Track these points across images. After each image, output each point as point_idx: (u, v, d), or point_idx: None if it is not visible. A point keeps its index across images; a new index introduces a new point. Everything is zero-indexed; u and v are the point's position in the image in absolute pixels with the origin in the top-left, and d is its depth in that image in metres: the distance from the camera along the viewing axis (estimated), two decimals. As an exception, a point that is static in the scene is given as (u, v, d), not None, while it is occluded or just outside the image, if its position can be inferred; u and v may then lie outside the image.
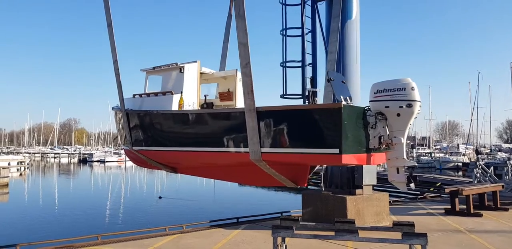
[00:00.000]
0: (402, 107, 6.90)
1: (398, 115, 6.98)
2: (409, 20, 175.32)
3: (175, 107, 8.98)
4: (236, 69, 9.90)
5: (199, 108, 9.69)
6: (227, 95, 10.19)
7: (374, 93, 7.23)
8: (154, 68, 9.93)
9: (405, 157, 7.12)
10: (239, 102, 10.07)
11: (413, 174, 7.29)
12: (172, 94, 9.10)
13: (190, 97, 9.25)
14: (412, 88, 6.96)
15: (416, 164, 7.55)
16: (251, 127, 7.04)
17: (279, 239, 6.10)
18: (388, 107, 7.02)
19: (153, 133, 9.42)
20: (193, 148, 8.52)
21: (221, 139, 7.93)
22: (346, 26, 11.08)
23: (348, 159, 6.66)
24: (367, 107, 7.29)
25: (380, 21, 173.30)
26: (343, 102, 6.78)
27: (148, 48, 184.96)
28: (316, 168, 9.26)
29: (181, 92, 9.09)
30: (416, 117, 7.22)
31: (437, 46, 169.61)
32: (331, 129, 6.56)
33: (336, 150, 6.46)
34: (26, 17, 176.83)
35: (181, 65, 9.32)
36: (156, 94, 9.59)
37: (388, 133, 7.07)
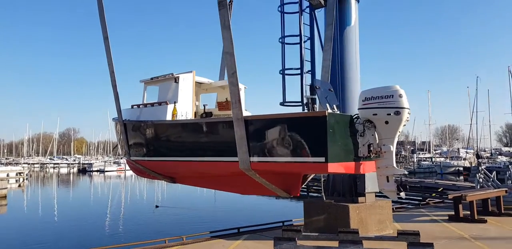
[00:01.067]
0: (390, 114, 6.81)
1: (387, 122, 6.89)
2: (406, 26, 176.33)
3: (169, 117, 9.00)
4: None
5: (194, 118, 9.72)
6: (225, 105, 10.20)
7: (363, 100, 7.15)
8: (152, 78, 10.00)
9: (394, 165, 7.01)
10: None
11: (403, 182, 7.20)
12: (167, 104, 9.15)
13: (185, 107, 9.24)
14: (400, 96, 6.87)
15: (406, 172, 7.47)
16: (239, 136, 7.05)
17: (282, 251, 5.94)
18: (376, 114, 6.93)
19: (148, 143, 9.47)
20: (185, 157, 8.55)
21: (211, 149, 7.96)
22: (345, 32, 11.04)
23: (335, 168, 6.59)
24: (356, 115, 7.20)
25: (378, 26, 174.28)
26: (329, 110, 6.71)
27: (151, 58, 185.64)
28: (311, 177, 9.16)
29: (175, 102, 9.13)
30: (405, 125, 7.10)
31: (435, 51, 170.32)
32: (316, 137, 6.50)
33: (322, 159, 6.41)
34: (27, 29, 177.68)
35: (176, 76, 9.36)
36: (152, 104, 9.64)
37: (377, 141, 6.97)
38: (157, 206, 27.17)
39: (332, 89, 8.59)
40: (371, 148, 6.96)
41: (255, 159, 7.08)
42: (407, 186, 7.10)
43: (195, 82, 10.04)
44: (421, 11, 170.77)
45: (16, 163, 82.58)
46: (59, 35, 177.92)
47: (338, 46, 11.06)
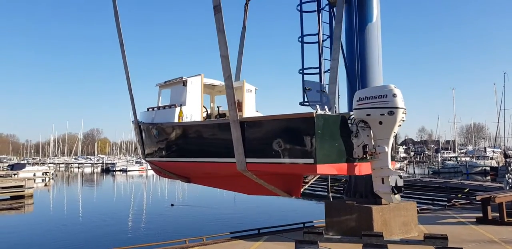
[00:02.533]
0: (384, 114, 6.63)
1: (381, 123, 6.72)
2: (433, 24, 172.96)
3: (176, 119, 9.26)
4: (244, 81, 9.98)
5: (204, 119, 9.95)
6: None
7: (357, 100, 7.00)
8: (165, 82, 10.29)
9: (390, 167, 6.80)
10: (247, 112, 10.04)
11: (399, 184, 6.89)
12: (175, 107, 9.43)
13: (193, 109, 9.47)
14: (394, 95, 6.67)
15: (401, 174, 7.30)
16: (235, 137, 7.13)
17: (303, 254, 5.78)
18: (369, 115, 6.78)
19: (158, 144, 9.82)
20: (189, 159, 8.78)
21: (211, 150, 8.11)
22: (367, 29, 10.76)
23: (324, 169, 6.52)
24: (352, 115, 7.09)
25: (403, 24, 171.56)
26: (319, 112, 6.62)
27: (163, 60, 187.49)
28: (316, 178, 9.07)
29: (181, 105, 9.39)
30: (400, 125, 6.87)
31: (461, 48, 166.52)
32: (305, 138, 6.47)
33: (311, 160, 6.36)
34: (56, 29, 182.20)
35: (184, 79, 9.59)
36: (164, 107, 9.97)
37: (372, 142, 6.80)
38: (172, 205, 27.75)
39: (325, 90, 8.55)
40: (366, 149, 6.81)
41: (250, 160, 7.11)
42: (402, 188, 6.81)
43: (209, 84, 10.31)
44: (449, 9, 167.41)
45: (43, 163, 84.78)
46: (83, 31, 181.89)
47: (358, 44, 10.81)
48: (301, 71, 10.89)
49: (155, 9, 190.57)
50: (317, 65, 10.82)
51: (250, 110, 9.34)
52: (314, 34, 11.05)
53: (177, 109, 9.35)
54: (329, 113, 7.22)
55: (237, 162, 7.20)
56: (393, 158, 10.33)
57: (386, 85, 6.89)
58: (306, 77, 10.85)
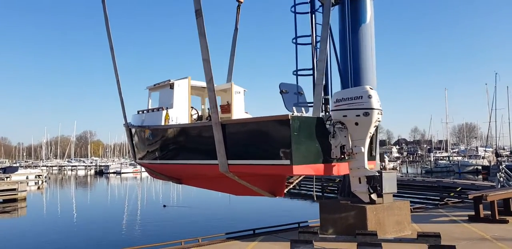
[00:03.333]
0: (359, 115, 6.75)
1: (356, 124, 6.82)
2: (426, 24, 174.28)
3: (163, 122, 9.37)
4: (232, 83, 10.06)
5: (192, 122, 10.07)
6: (226, 108, 10.27)
7: (334, 102, 7.11)
8: (154, 85, 10.39)
9: (366, 166, 6.92)
10: (236, 114, 10.08)
11: (375, 184, 7.16)
12: (163, 109, 9.52)
13: (180, 111, 9.55)
14: (369, 96, 6.78)
15: (377, 174, 7.55)
16: (217, 139, 7.20)
17: (298, 254, 5.84)
18: (346, 116, 6.90)
19: (147, 147, 9.95)
20: (173, 160, 8.91)
21: (196, 152, 8.20)
22: (361, 30, 10.85)
23: (301, 170, 6.61)
24: (329, 117, 7.22)
25: (395, 26, 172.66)
26: (295, 113, 6.79)
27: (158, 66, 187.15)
28: (300, 178, 9.19)
29: (167, 108, 9.49)
30: (376, 126, 6.98)
31: (452, 49, 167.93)
32: (281, 140, 6.57)
33: (287, 162, 6.46)
34: (41, 30, 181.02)
35: (171, 82, 9.68)
36: (152, 110, 10.06)
37: (350, 142, 6.91)
38: (164, 206, 28.10)
39: (302, 92, 8.73)
40: (344, 150, 6.90)
41: (232, 162, 7.18)
42: (378, 188, 6.99)
43: (199, 86, 10.39)
44: (441, 10, 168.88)
45: (35, 166, 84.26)
46: (74, 36, 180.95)
47: (350, 45, 10.90)
48: (295, 73, 10.96)
49: (155, 15, 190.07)
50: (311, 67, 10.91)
51: (239, 112, 9.43)
52: (308, 36, 11.12)
53: (164, 112, 9.44)
54: (306, 115, 7.38)
55: (220, 164, 7.29)
56: (378, 158, 10.56)
57: (362, 86, 7.02)
58: (300, 79, 10.95)
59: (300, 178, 9.12)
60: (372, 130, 6.94)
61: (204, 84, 10.62)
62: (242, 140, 7.18)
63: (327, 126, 7.14)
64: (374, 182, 7.20)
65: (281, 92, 8.26)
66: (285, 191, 8.05)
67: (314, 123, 6.87)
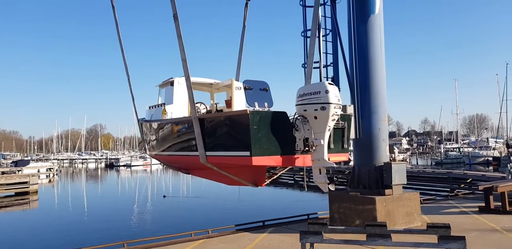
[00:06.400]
0: (317, 110, 7.14)
1: (316, 118, 7.22)
2: (435, 15, 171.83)
3: (161, 116, 10.13)
4: (232, 79, 10.49)
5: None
6: (229, 103, 10.49)
7: (297, 97, 7.50)
8: (162, 82, 10.98)
9: (325, 158, 7.27)
10: (236, 109, 10.34)
11: (332, 175, 7.67)
12: (164, 105, 10.20)
13: (180, 107, 10.09)
14: (327, 91, 7.12)
15: (335, 165, 7.86)
16: (196, 133, 7.86)
17: (308, 245, 5.87)
18: (306, 110, 7.31)
19: (152, 139, 10.85)
20: (171, 152, 9.61)
21: (184, 144, 8.88)
22: (370, 21, 10.73)
23: (261, 161, 7.15)
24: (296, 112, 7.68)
25: (405, 16, 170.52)
26: (256, 108, 7.48)
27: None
28: (285, 170, 9.53)
29: (164, 104, 10.23)
30: (334, 119, 7.33)
31: (463, 39, 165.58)
32: (242, 133, 7.21)
33: (247, 153, 7.07)
34: (53, 27, 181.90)
35: (171, 80, 10.29)
36: (157, 106, 10.78)
37: (313, 135, 7.30)
38: (164, 196, 29.09)
39: (267, 88, 9.36)
40: (307, 142, 7.33)
41: (209, 153, 7.85)
42: (334, 179, 7.45)
43: (206, 83, 11.09)
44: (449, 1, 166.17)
45: (46, 159, 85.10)
46: (86, 29, 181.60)
47: (355, 36, 10.81)
48: (304, 65, 10.95)
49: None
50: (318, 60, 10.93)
51: (239, 107, 9.72)
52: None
53: (162, 108, 10.19)
54: (267, 109, 7.93)
55: (200, 155, 7.93)
56: (388, 150, 10.57)
57: (322, 82, 7.48)
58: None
59: (285, 169, 9.70)
60: (330, 124, 7.30)
61: (211, 80, 11.22)
62: (215, 133, 7.83)
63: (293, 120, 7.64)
64: (330, 174, 7.59)
65: (245, 88, 8.78)
66: (267, 182, 8.59)
67: (274, 117, 7.36)
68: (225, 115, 8.03)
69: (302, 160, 7.68)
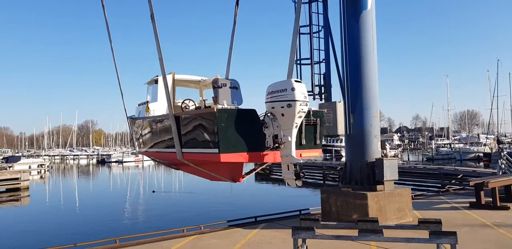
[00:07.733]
0: (284, 107, 7.22)
1: (283, 115, 7.29)
2: (425, 12, 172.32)
3: (145, 114, 10.34)
4: (218, 75, 10.51)
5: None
6: (215, 99, 10.59)
7: (267, 94, 7.57)
8: (149, 80, 11.06)
9: (293, 154, 7.34)
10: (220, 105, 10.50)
11: (299, 171, 7.55)
12: (148, 103, 10.35)
13: (164, 105, 10.06)
14: (293, 89, 7.18)
15: (301, 161, 7.92)
16: (173, 130, 8.04)
17: (300, 240, 5.86)
18: (274, 108, 7.40)
19: (139, 136, 11.04)
20: (156, 149, 9.75)
21: (164, 141, 9.03)
22: (361, 17, 10.67)
23: (229, 157, 7.27)
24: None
25: (395, 13, 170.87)
26: (225, 106, 7.71)
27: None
28: (263, 166, 9.85)
29: (148, 102, 10.44)
30: (301, 116, 7.40)
31: (455, 36, 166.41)
32: (211, 131, 7.35)
33: (216, 150, 7.21)
34: (44, 19, 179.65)
35: (155, 78, 10.41)
36: (143, 103, 10.92)
37: (282, 132, 7.36)
38: (153, 191, 29.44)
39: (237, 86, 9.55)
40: (276, 139, 7.41)
41: (185, 150, 7.99)
42: (301, 175, 7.55)
43: (194, 80, 11.26)
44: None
45: (38, 155, 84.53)
46: (78, 22, 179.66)
47: (347, 33, 10.78)
48: (296, 62, 10.93)
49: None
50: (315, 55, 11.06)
51: (224, 103, 9.70)
52: (306, 26, 11.14)
53: (145, 105, 10.35)
54: (235, 107, 8.14)
55: (177, 152, 8.08)
56: (379, 146, 10.65)
57: (289, 80, 7.45)
58: (304, 67, 11.12)
59: (263, 166, 9.93)
60: (297, 120, 7.35)
61: (199, 78, 11.36)
62: (189, 130, 7.93)
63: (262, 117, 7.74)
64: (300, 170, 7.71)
65: (214, 86, 8.93)
66: (246, 177, 8.70)
67: (241, 114, 7.47)
68: (195, 113, 8.23)
69: (273, 157, 7.77)
